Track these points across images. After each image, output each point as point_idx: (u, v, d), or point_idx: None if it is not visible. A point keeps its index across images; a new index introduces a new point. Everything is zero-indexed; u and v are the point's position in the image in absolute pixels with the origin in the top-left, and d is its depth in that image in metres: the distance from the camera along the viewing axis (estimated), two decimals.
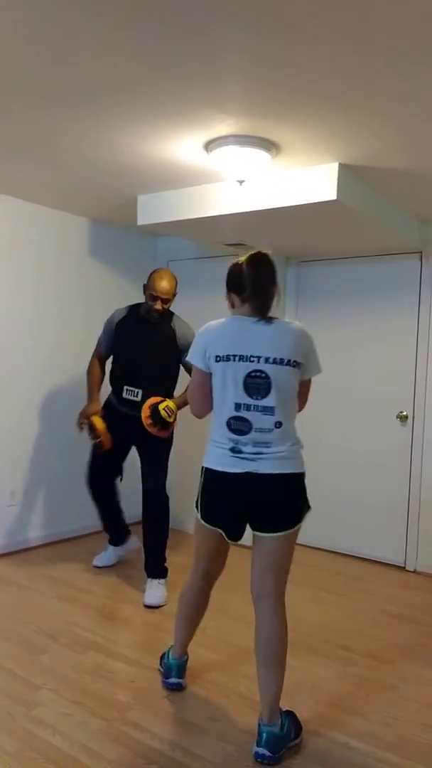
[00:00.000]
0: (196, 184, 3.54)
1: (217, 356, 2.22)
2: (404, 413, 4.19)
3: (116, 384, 3.65)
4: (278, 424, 2.19)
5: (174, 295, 3.52)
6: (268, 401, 2.17)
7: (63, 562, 4.02)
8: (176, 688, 2.58)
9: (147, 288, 3.48)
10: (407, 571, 4.15)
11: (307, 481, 2.27)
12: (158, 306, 3.46)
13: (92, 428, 3.56)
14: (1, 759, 2.07)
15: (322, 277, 4.58)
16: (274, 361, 2.17)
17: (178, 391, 3.62)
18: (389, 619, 3.35)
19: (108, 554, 4.00)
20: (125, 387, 3.56)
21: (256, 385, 2.17)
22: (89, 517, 4.42)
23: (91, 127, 2.73)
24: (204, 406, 2.35)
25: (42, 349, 4.31)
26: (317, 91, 2.27)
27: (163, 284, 3.44)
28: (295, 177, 3.18)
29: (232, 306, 2.30)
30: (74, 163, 3.26)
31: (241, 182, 3.05)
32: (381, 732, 2.33)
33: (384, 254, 4.27)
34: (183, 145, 2.91)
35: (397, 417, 4.23)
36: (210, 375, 2.27)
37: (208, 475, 2.28)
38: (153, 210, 3.79)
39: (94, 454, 3.76)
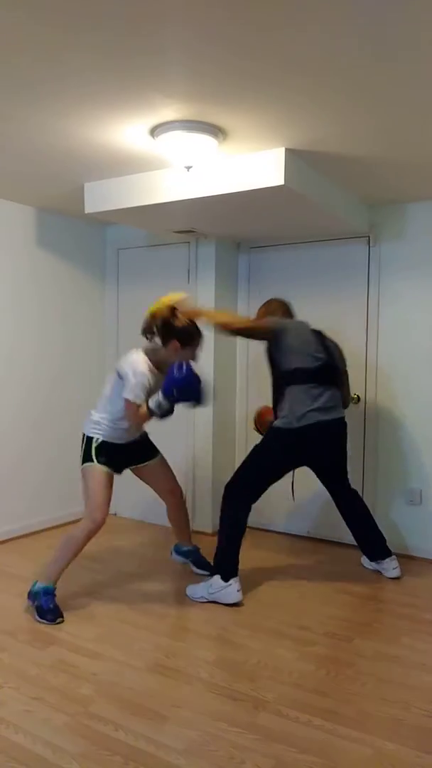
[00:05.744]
0: (143, 170, 3.49)
1: None
2: (355, 395, 4.25)
3: None
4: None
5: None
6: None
7: (20, 558, 3.96)
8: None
9: None
10: None
11: None
12: None
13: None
14: None
15: (272, 262, 4.59)
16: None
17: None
18: (346, 598, 3.42)
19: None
20: None
21: None
22: (39, 513, 4.36)
23: (33, 112, 2.66)
24: None
25: None
26: (262, 75, 2.27)
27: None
28: (242, 162, 3.17)
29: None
30: (17, 149, 3.16)
31: (188, 168, 3.02)
32: (342, 708, 2.38)
33: (333, 239, 4.31)
34: (128, 131, 2.86)
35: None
36: None
37: None
38: (100, 198, 3.73)
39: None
